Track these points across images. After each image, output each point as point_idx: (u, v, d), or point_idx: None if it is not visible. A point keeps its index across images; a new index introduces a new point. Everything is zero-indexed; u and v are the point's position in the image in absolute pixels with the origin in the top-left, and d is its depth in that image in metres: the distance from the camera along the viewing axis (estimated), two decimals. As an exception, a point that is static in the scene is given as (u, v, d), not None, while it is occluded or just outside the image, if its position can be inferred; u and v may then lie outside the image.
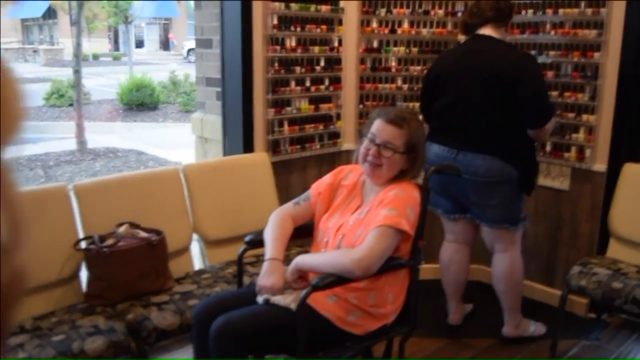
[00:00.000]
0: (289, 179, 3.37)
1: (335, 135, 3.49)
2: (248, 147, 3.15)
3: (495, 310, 3.03)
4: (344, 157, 3.56)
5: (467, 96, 2.69)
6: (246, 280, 2.57)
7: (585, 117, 3.10)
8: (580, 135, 3.15)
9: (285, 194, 3.19)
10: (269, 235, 2.17)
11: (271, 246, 2.13)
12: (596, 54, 3.03)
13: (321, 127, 3.40)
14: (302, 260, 2.05)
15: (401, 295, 2.15)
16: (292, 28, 3.16)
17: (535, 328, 3.06)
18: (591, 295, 2.73)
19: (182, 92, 12.12)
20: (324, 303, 2.04)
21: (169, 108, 12.02)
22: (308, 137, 3.37)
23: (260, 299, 2.07)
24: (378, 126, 2.10)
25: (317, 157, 3.46)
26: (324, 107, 3.39)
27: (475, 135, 2.68)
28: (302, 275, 2.06)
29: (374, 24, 3.41)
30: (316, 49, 3.28)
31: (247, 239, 2.29)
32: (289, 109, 3.24)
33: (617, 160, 3.04)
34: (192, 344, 2.13)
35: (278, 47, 3.13)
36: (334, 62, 3.38)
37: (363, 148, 2.13)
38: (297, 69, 3.22)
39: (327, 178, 2.30)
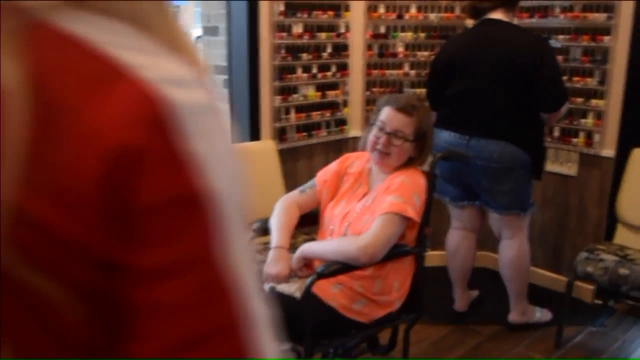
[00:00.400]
0: (296, 166, 3.42)
1: (342, 122, 3.53)
2: (255, 135, 3.19)
3: (501, 297, 3.08)
4: (351, 144, 3.59)
5: (481, 82, 2.71)
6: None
7: (594, 101, 3.12)
8: (589, 120, 3.17)
9: (292, 182, 3.23)
10: (275, 224, 2.21)
11: (277, 234, 2.17)
12: (606, 38, 3.04)
13: (328, 114, 3.44)
14: (308, 248, 2.10)
15: (406, 282, 2.20)
16: (299, 14, 3.19)
17: (541, 314, 3.11)
18: (598, 281, 2.77)
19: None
20: (329, 291, 2.09)
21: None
22: (315, 125, 3.41)
23: (265, 287, 2.13)
24: (388, 114, 2.14)
25: (323, 144, 3.50)
26: (331, 94, 3.43)
27: (489, 120, 2.71)
28: (307, 263, 2.12)
29: (381, 10, 3.43)
30: (323, 35, 3.31)
31: (254, 226, 2.34)
32: (295, 96, 3.28)
33: (625, 145, 3.06)
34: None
35: (285, 34, 3.16)
36: (340, 49, 3.41)
37: (372, 136, 2.16)
38: (304, 55, 3.25)
39: (333, 166, 2.35)
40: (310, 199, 2.35)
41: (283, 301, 2.06)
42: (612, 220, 3.13)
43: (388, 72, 3.50)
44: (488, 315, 3.18)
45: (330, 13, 3.31)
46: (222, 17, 3.28)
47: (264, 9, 3.08)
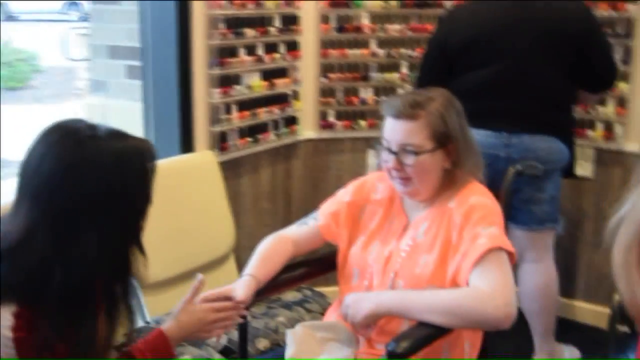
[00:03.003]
0: (238, 184, 3.01)
1: (292, 121, 3.16)
2: (187, 144, 2.75)
3: (521, 334, 2.89)
4: (303, 149, 3.25)
5: (521, 63, 2.55)
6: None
7: (614, 85, 3.00)
8: (609, 109, 3.07)
9: (235, 208, 2.82)
10: (254, 256, 1.92)
11: (251, 264, 1.89)
12: (630, 6, 2.95)
13: (276, 110, 3.06)
14: (396, 299, 1.74)
15: (477, 342, 1.92)
16: (241, -26, 2.77)
17: (570, 354, 2.97)
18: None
19: (3, 63, 10.92)
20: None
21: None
22: (261, 126, 3.01)
23: None
24: (387, 127, 1.83)
25: (270, 152, 3.13)
26: (280, 84, 3.05)
27: (533, 111, 2.58)
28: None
29: (340, -30, 3.10)
30: (270, 4, 2.92)
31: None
32: (238, 87, 2.85)
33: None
34: None
35: (224, 2, 2.72)
36: (290, 21, 3.03)
37: (383, 161, 1.86)
38: (248, 31, 2.83)
39: (344, 195, 2.02)
40: (311, 236, 2.02)
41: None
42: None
43: (350, 51, 3.21)
44: (507, 357, 2.97)
45: (278, -28, 2.93)
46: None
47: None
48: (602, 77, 2.65)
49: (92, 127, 1.32)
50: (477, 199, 1.79)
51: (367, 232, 1.93)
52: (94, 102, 3.06)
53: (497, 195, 1.89)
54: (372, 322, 1.76)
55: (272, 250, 1.96)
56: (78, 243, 1.28)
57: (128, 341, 1.53)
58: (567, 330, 3.07)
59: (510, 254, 1.72)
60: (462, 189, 1.82)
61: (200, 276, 1.71)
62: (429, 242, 1.80)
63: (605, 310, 3.16)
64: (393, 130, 1.80)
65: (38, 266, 1.27)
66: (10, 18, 19.11)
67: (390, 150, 1.80)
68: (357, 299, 1.78)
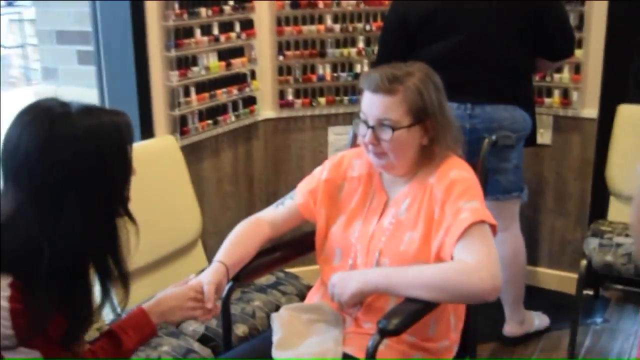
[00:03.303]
0: (200, 169, 2.97)
1: (251, 101, 3.13)
2: (147, 130, 2.70)
3: (492, 305, 2.94)
4: (263, 129, 3.23)
5: (481, 34, 2.58)
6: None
7: (570, 52, 3.06)
8: (565, 75, 3.13)
9: (198, 193, 2.79)
10: (225, 242, 1.93)
11: (222, 250, 1.90)
12: (581, -28, 3.00)
13: (235, 90, 3.02)
14: (382, 276, 1.75)
15: (462, 314, 1.95)
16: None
17: (539, 321, 3.05)
18: (620, 272, 2.72)
19: None
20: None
21: None
22: (220, 108, 2.97)
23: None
24: (365, 101, 1.83)
25: (230, 133, 3.09)
26: (237, 63, 3.01)
27: (494, 81, 2.62)
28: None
29: (293, -57, 3.07)
30: (224, -20, 2.86)
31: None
32: (195, 69, 2.80)
33: (610, 102, 3.06)
34: None
35: (177, -19, 2.66)
36: (244, -1, 2.99)
37: (359, 135, 1.86)
38: (203, 10, 2.78)
39: (321, 172, 2.02)
40: (289, 215, 2.02)
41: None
42: (600, 194, 3.13)
43: (305, 28, 3.17)
44: (478, 330, 3.01)
45: (230, -53, 2.88)
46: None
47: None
48: (561, 46, 2.68)
49: (65, 105, 1.37)
50: (457, 173, 1.81)
51: (348, 211, 1.93)
52: (44, 90, 2.96)
53: (473, 167, 1.92)
54: (359, 301, 1.77)
55: (244, 234, 1.96)
56: (62, 218, 1.32)
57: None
58: (533, 296, 3.15)
59: (492, 226, 1.75)
60: (442, 164, 1.83)
61: (192, 276, 1.73)
62: (412, 218, 1.81)
63: (569, 276, 3.27)
64: (370, 104, 1.80)
65: (26, 243, 1.31)
66: None
67: (367, 124, 1.80)
68: (343, 277, 1.78)
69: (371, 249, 1.84)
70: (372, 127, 1.79)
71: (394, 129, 1.77)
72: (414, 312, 1.67)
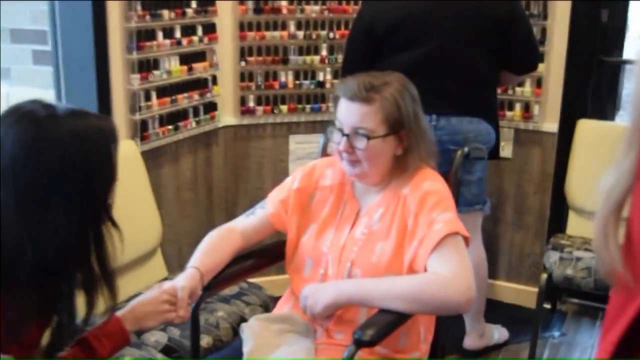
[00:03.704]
0: (160, 175, 2.94)
1: (212, 107, 3.12)
2: (106, 134, 2.63)
3: (452, 317, 2.98)
4: (223, 136, 3.23)
5: (447, 45, 2.61)
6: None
7: (532, 66, 3.14)
8: (527, 89, 3.21)
9: (156, 199, 2.76)
10: (197, 249, 1.92)
11: (196, 256, 1.89)
12: (544, -12, 3.08)
13: (196, 96, 3.01)
14: (356, 288, 1.76)
15: (432, 326, 1.98)
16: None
17: (499, 334, 3.10)
18: (580, 285, 2.79)
19: None
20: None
21: None
22: (181, 113, 2.95)
23: None
24: (340, 108, 1.86)
25: (190, 139, 3.07)
26: (198, 68, 2.99)
27: (459, 93, 2.65)
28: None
29: (257, -52, 3.08)
30: (186, -17, 2.85)
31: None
32: (157, 72, 2.78)
33: (570, 117, 3.14)
34: None
35: (141, -19, 2.64)
36: (207, 2, 2.98)
37: (333, 142, 1.88)
38: (165, 13, 2.77)
39: (292, 182, 2.03)
40: (260, 225, 2.03)
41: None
42: (559, 208, 3.21)
43: (268, 33, 3.19)
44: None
45: (193, -51, 2.87)
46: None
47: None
48: (526, 60, 2.74)
49: (49, 107, 1.37)
50: (431, 185, 1.84)
51: (319, 220, 1.94)
52: (-4, 91, 2.89)
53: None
54: (332, 312, 1.77)
55: (218, 242, 1.95)
56: (46, 221, 1.32)
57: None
58: (492, 309, 3.19)
59: (465, 238, 1.79)
60: (415, 175, 1.86)
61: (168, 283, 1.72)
62: (385, 229, 1.83)
63: (528, 289, 3.35)
64: (346, 112, 1.82)
65: (8, 245, 1.30)
66: None
67: (342, 132, 1.82)
68: (315, 289, 1.79)
69: (343, 260, 1.85)
70: (347, 135, 1.81)
71: (369, 137, 1.80)
72: (388, 323, 1.69)
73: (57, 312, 1.42)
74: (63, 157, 1.33)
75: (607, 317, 0.91)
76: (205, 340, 2.19)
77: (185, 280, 1.75)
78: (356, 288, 1.77)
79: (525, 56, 2.72)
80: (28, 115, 1.34)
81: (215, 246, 1.93)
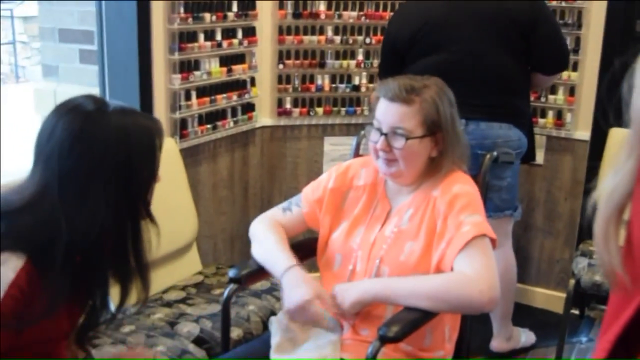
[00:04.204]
0: (198, 172, 2.97)
1: (250, 108, 3.15)
2: (147, 131, 2.68)
3: (480, 320, 2.97)
4: (260, 136, 3.26)
5: (473, 49, 2.61)
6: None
7: (565, 74, 3.11)
8: (560, 97, 3.18)
9: (193, 196, 2.80)
10: (269, 247, 1.91)
11: (280, 255, 1.87)
12: (579, -3, 3.06)
13: (234, 96, 3.04)
14: (382, 286, 1.77)
15: (457, 325, 1.97)
16: (200, -44, 2.75)
17: (526, 338, 3.07)
18: (608, 292, 2.75)
19: None
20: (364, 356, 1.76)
21: None
22: (219, 113, 2.99)
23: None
24: (381, 108, 1.87)
25: (228, 138, 3.10)
26: (238, 69, 3.03)
27: (488, 98, 2.64)
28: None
29: (298, -46, 3.11)
30: (228, -13, 2.89)
31: (231, 273, 1.93)
32: (197, 73, 2.82)
33: (602, 125, 3.10)
34: None
35: (184, -15, 2.69)
36: (247, 6, 3.01)
37: (370, 141, 1.88)
38: (207, 16, 2.80)
39: (327, 180, 2.04)
40: (295, 222, 2.05)
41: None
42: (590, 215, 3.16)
43: (306, 38, 3.21)
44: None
45: (236, -44, 2.91)
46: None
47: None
48: (553, 59, 2.70)
49: (101, 102, 1.42)
50: (461, 188, 1.84)
51: (351, 218, 1.95)
52: (44, 87, 2.96)
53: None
54: (359, 310, 1.78)
55: (280, 237, 1.94)
56: (84, 207, 1.36)
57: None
58: (521, 314, 3.17)
59: (492, 240, 1.79)
60: (446, 178, 1.86)
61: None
62: (414, 229, 1.84)
63: (556, 294, 3.31)
64: (386, 112, 1.83)
65: (47, 224, 1.34)
66: None
67: (380, 131, 1.83)
68: (344, 288, 1.80)
69: (372, 257, 1.86)
70: (386, 134, 1.82)
71: (407, 137, 1.81)
72: (412, 320, 1.70)
73: (90, 297, 1.45)
74: (106, 150, 1.37)
75: (605, 317, 0.91)
76: (235, 333, 2.21)
77: (313, 290, 1.76)
78: (382, 286, 1.78)
79: (553, 55, 2.68)
80: (78, 108, 1.39)
81: (283, 240, 1.93)
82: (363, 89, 3.30)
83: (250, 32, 3.07)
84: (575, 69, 3.11)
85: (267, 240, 1.92)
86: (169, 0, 2.66)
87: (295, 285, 1.77)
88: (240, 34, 3.01)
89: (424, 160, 1.88)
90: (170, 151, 2.70)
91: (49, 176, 1.36)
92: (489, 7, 2.61)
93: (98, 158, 1.36)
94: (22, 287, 1.32)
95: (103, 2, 2.64)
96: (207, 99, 2.90)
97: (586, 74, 3.12)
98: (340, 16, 3.21)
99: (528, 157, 2.82)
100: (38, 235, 1.35)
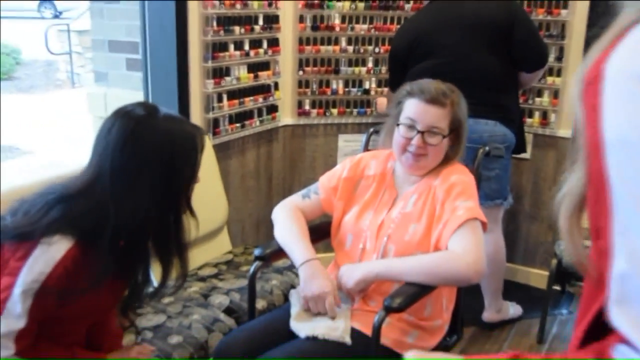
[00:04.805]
0: (228, 165, 2.97)
1: (274, 109, 3.14)
2: (184, 129, 2.68)
3: (472, 294, 2.96)
4: (282, 134, 3.25)
5: (459, 52, 2.60)
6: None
7: (550, 79, 3.09)
8: (545, 99, 3.14)
9: (224, 185, 2.80)
10: (289, 234, 1.89)
11: (299, 246, 1.85)
12: (563, 12, 3.00)
13: (260, 99, 3.03)
14: (383, 266, 1.77)
15: (453, 298, 1.96)
16: (230, -23, 2.73)
17: (514, 310, 3.06)
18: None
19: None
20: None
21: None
22: (247, 113, 2.98)
23: (301, 334, 1.73)
24: (417, 108, 1.84)
25: (255, 136, 3.09)
26: (263, 75, 3.01)
27: (474, 96, 2.55)
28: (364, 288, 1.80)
29: (315, -25, 3.08)
30: (255, 4, 2.87)
31: (257, 252, 1.93)
32: (228, 79, 2.82)
33: (583, 124, 3.07)
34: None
35: (217, 2, 2.67)
36: (272, 20, 3.00)
37: (400, 137, 1.86)
38: (237, 28, 2.80)
39: (342, 170, 2.02)
40: (313, 207, 2.04)
41: (330, 351, 1.68)
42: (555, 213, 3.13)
43: (323, 47, 3.18)
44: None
45: (262, -23, 2.89)
46: (123, -21, 2.70)
47: (191, -31, 2.58)
48: (532, 57, 2.65)
49: (152, 109, 1.44)
50: (457, 177, 1.83)
51: (361, 203, 1.94)
52: (95, 91, 2.97)
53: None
54: (363, 287, 1.78)
55: (301, 225, 1.93)
56: (131, 198, 1.37)
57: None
58: (510, 289, 3.15)
59: (483, 223, 1.78)
60: (445, 169, 1.86)
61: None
62: (417, 213, 1.83)
63: (540, 272, 3.29)
64: (424, 112, 1.81)
65: (96, 209, 1.36)
66: (-12, 15, 18.31)
67: (415, 129, 1.82)
68: (349, 268, 1.81)
69: (380, 236, 1.86)
70: (422, 132, 1.81)
71: (443, 136, 1.81)
72: (413, 293, 1.70)
73: (133, 275, 1.46)
74: (153, 151, 1.38)
75: (580, 305, 0.90)
76: (260, 304, 2.22)
77: (329, 285, 1.77)
78: (383, 266, 1.78)
79: (531, 54, 2.63)
80: (132, 113, 1.41)
81: (302, 227, 1.92)
82: (372, 93, 3.28)
83: (274, 42, 3.06)
84: (559, 74, 3.08)
85: (288, 228, 1.90)
86: (203, 15, 2.66)
87: (314, 277, 1.77)
88: (265, 44, 3.00)
89: (443, 153, 1.88)
90: (205, 148, 2.71)
91: (102, 169, 1.38)
92: (470, 14, 2.60)
93: (145, 157, 1.38)
94: (68, 267, 1.33)
95: (147, 17, 2.64)
96: (236, 101, 2.89)
97: (569, 79, 3.07)
98: (352, 29, 3.18)
99: (519, 149, 2.78)
100: (88, 218, 1.36)
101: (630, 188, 0.68)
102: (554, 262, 2.80)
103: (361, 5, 3.17)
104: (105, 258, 1.36)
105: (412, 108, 1.84)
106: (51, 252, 1.32)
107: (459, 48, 2.59)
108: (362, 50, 3.22)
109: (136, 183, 1.37)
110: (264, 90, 3.06)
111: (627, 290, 0.66)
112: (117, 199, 1.36)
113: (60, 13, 17.76)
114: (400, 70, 2.72)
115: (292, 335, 1.76)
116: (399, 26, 3.00)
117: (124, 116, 1.40)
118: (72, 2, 18.40)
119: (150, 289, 1.61)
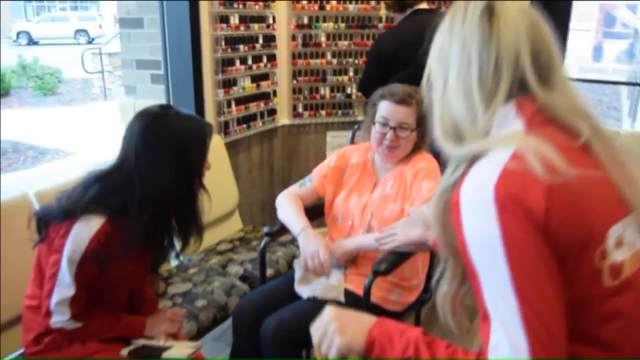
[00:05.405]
0: (237, 159, 2.94)
1: (273, 112, 3.11)
2: (201, 131, 2.65)
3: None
4: (280, 132, 3.21)
5: (424, 64, 2.51)
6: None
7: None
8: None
9: (235, 175, 2.77)
10: (289, 212, 1.87)
11: (296, 219, 1.83)
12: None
13: (262, 104, 2.99)
14: (363, 241, 1.77)
15: (427, 262, 1.94)
16: (235, 5, 2.68)
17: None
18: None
19: (34, 76, 10.27)
20: (363, 286, 1.74)
21: (22, 93, 10.16)
22: (252, 116, 2.95)
23: (304, 296, 1.72)
24: (388, 109, 1.81)
25: (258, 134, 3.06)
26: (264, 85, 2.98)
27: None
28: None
29: (304, 1, 3.03)
30: (255, 26, 2.83)
31: (266, 229, 1.90)
32: (235, 88, 2.78)
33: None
34: (232, 344, 1.75)
35: (224, 25, 2.63)
36: (270, 39, 2.96)
37: (376, 133, 1.84)
38: (241, 47, 2.76)
39: (330, 161, 2.00)
40: (309, 192, 2.00)
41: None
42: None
43: (312, 61, 3.14)
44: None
45: (261, 4, 2.84)
46: (145, 8, 2.65)
47: (203, 1, 2.53)
48: None
49: (167, 108, 1.43)
50: (423, 164, 1.82)
51: (348, 187, 1.93)
52: (126, 101, 2.92)
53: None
54: (349, 257, 1.79)
55: (297, 205, 1.91)
56: (154, 173, 1.36)
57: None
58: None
59: None
60: (414, 157, 1.85)
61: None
62: (394, 194, 1.82)
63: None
64: (394, 111, 1.79)
65: (124, 184, 1.36)
66: (32, 42, 18.06)
67: (388, 125, 1.80)
68: (338, 244, 1.81)
69: (365, 213, 1.84)
70: (394, 128, 1.80)
71: (411, 130, 1.79)
72: (395, 259, 1.68)
73: (159, 242, 1.45)
74: (167, 138, 1.37)
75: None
76: (268, 272, 2.20)
77: (324, 249, 1.71)
78: (362, 240, 1.78)
79: None
80: (150, 111, 1.40)
81: (300, 209, 1.90)
82: (354, 97, 3.26)
83: (272, 57, 3.02)
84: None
85: (288, 209, 1.88)
86: (214, 36, 2.62)
87: (308, 239, 1.75)
88: (265, 59, 2.97)
89: (412, 145, 1.86)
90: (217, 145, 2.68)
91: (128, 153, 1.38)
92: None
93: (161, 142, 1.37)
94: (101, 239, 1.33)
95: (167, 39, 2.60)
96: (242, 107, 2.86)
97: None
98: (336, 45, 3.15)
99: None
100: (119, 193, 1.36)
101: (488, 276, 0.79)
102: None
103: (343, 25, 3.14)
104: (133, 231, 1.35)
105: (385, 108, 1.82)
106: (88, 228, 1.32)
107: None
108: (344, 62, 3.19)
109: (155, 162, 1.36)
110: (265, 97, 3.02)
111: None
112: (141, 173, 1.36)
113: (93, 39, 17.57)
114: (380, 73, 2.63)
115: (296, 297, 1.75)
116: (382, 33, 2.87)
117: (144, 113, 1.41)
118: (102, 29, 18.17)
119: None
